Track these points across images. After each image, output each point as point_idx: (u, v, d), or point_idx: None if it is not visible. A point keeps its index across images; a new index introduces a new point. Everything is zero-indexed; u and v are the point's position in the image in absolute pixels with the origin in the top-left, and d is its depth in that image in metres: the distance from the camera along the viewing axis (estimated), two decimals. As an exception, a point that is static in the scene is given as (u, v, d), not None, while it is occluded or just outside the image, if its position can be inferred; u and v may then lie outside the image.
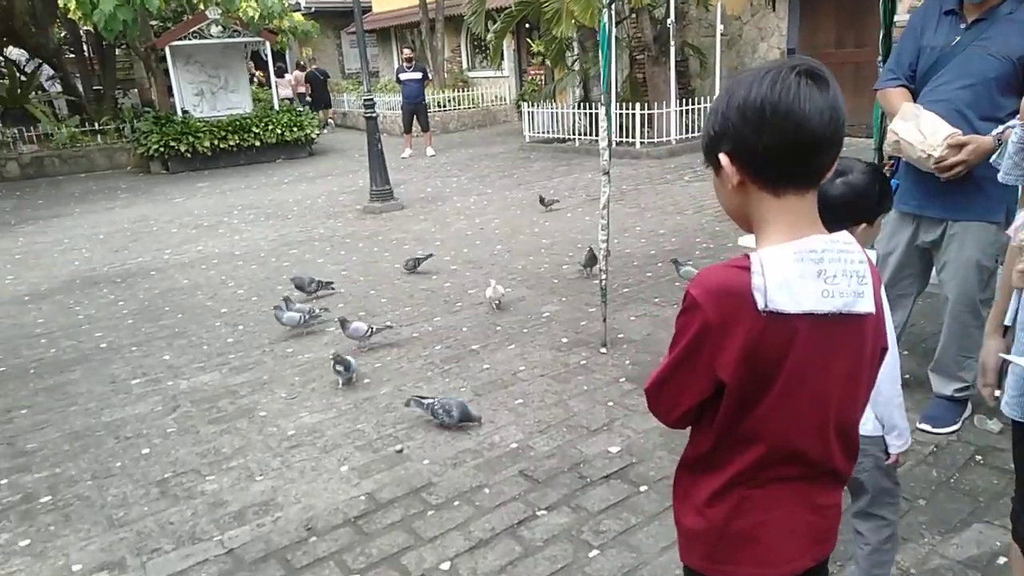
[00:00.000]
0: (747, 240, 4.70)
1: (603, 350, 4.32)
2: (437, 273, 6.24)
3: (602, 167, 4.11)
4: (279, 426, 3.73)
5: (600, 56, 4.02)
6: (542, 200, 8.34)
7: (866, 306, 1.17)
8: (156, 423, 3.87)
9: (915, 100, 2.98)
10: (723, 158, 1.17)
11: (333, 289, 5.91)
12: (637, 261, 6.05)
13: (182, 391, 4.25)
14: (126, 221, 9.65)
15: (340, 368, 4.07)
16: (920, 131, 2.83)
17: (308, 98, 19.35)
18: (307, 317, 4.87)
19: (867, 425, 1.95)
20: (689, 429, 1.31)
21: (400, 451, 3.39)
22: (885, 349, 1.29)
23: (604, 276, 4.32)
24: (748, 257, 1.15)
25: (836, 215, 1.82)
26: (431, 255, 6.42)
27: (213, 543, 2.82)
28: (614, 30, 10.92)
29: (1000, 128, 2.65)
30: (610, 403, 3.70)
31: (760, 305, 1.11)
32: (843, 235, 1.18)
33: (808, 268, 1.12)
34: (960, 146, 2.76)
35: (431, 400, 3.60)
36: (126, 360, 4.80)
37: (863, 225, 1.86)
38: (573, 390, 3.88)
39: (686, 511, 1.32)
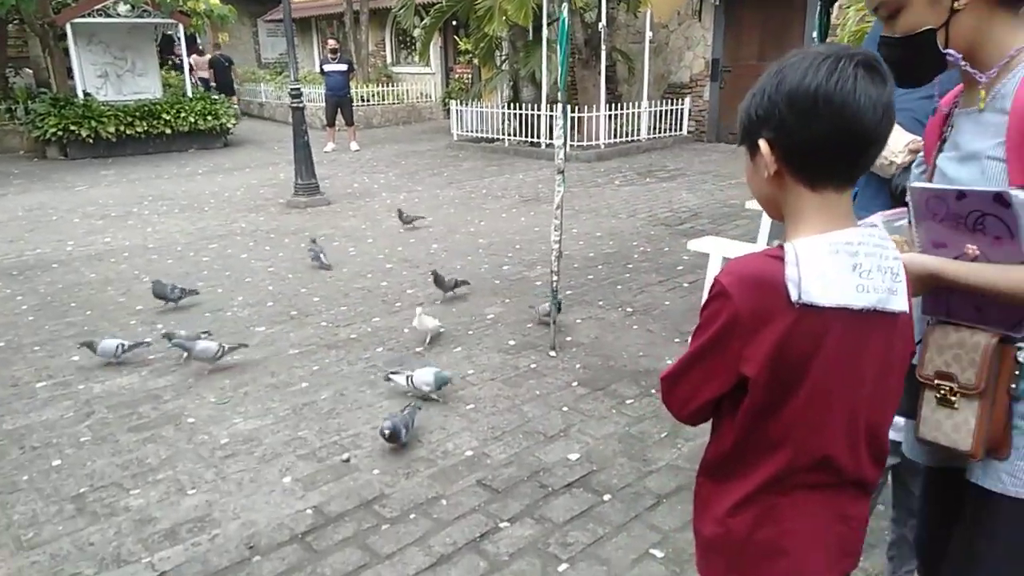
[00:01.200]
0: (695, 244, 4.70)
1: (552, 353, 4.22)
2: (372, 272, 5.98)
3: (557, 166, 4.01)
4: (210, 434, 3.44)
5: (559, 51, 3.91)
6: (401, 215, 7.39)
7: (899, 304, 1.12)
8: (67, 431, 3.49)
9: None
10: (763, 145, 1.11)
11: (198, 293, 5.32)
12: (577, 263, 5.99)
13: (96, 395, 3.87)
14: (20, 209, 8.86)
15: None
16: (883, 139, 2.87)
17: (213, 84, 18.43)
18: (125, 347, 4.22)
19: None
20: (700, 428, 1.23)
21: (347, 460, 3.18)
22: (913, 352, 1.24)
23: (556, 278, 4.22)
24: (782, 247, 1.09)
25: None
26: (330, 267, 5.98)
27: (142, 565, 2.54)
28: (545, 31, 10.97)
29: None
30: (564, 408, 3.60)
31: (793, 297, 1.05)
32: (878, 230, 1.14)
33: (843, 261, 1.07)
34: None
35: (409, 373, 3.59)
36: (28, 361, 4.34)
37: None
38: (525, 395, 3.75)
39: (705, 520, 1.25)
